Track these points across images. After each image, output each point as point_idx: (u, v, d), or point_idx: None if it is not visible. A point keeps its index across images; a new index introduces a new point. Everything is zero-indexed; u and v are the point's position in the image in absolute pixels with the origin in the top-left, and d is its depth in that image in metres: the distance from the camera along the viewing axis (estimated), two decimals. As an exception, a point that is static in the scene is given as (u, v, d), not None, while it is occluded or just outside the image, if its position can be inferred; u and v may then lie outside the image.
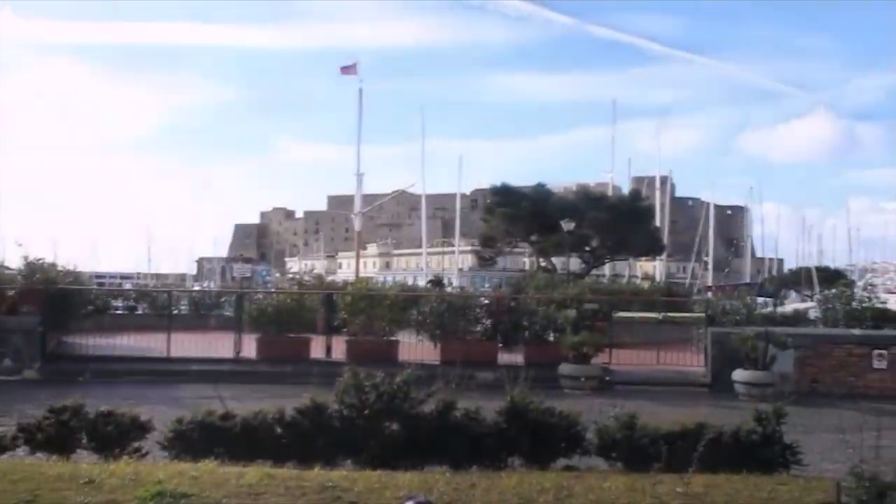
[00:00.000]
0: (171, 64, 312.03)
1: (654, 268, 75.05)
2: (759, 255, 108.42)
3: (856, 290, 30.26)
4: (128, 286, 66.78)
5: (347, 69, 42.54)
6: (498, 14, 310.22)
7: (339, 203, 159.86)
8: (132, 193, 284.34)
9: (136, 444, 8.47)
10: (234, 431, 8.38)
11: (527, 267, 61.55)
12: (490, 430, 8.33)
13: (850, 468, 5.29)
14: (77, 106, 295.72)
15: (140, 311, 28.87)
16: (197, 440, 8.36)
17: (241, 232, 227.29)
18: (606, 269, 58.03)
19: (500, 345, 19.89)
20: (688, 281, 75.79)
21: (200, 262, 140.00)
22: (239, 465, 7.71)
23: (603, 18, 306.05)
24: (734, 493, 6.92)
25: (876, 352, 17.23)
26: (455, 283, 60.12)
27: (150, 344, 19.90)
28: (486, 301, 21.73)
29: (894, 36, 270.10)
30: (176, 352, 18.92)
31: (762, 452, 8.34)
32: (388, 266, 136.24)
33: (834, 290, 24.62)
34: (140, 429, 8.58)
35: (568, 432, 8.41)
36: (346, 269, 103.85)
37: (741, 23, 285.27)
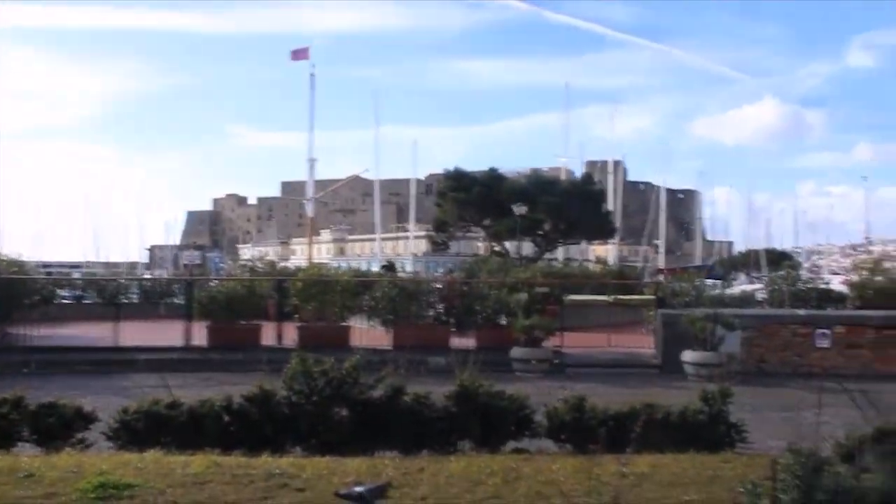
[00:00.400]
0: (116, 48, 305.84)
1: (606, 251, 75.76)
2: (709, 238, 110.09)
3: (801, 271, 30.85)
4: (77, 275, 65.57)
5: (298, 54, 42.15)
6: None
7: (293, 189, 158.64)
8: (79, 181, 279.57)
9: (79, 436, 8.33)
10: (180, 420, 8.28)
11: (480, 252, 61.72)
12: (440, 414, 8.33)
13: (787, 445, 5.37)
14: (16, 89, 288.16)
15: (88, 301, 28.37)
16: (143, 430, 8.24)
17: (194, 219, 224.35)
18: (559, 252, 58.41)
19: (453, 329, 19.92)
20: (640, 264, 76.56)
21: (153, 249, 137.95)
22: (186, 454, 7.61)
23: (557, 4, 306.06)
24: (680, 472, 7.00)
25: (819, 331, 17.58)
26: (409, 268, 60.12)
27: (97, 333, 19.56)
28: (439, 286, 21.74)
29: (838, 24, 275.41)
30: (124, 341, 18.63)
31: (709, 432, 8.47)
32: (342, 252, 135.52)
33: (781, 272, 25.10)
34: (84, 420, 8.43)
35: (517, 415, 8.45)
36: (299, 256, 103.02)
37: (693, 10, 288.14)
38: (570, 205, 47.09)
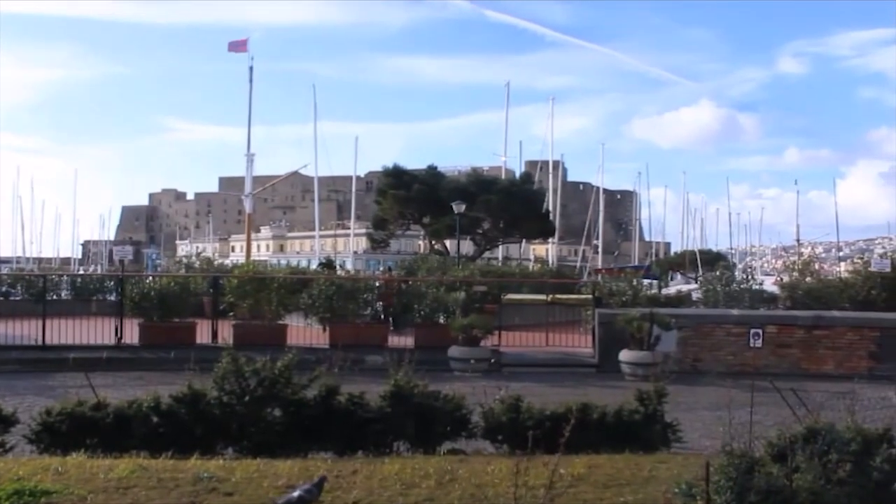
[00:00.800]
0: (49, 36, 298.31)
1: (546, 251, 76.29)
2: (647, 238, 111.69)
3: (735, 272, 31.42)
4: (5, 271, 63.66)
5: (236, 45, 41.33)
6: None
7: (231, 184, 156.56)
8: (8, 172, 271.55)
9: (-2, 439, 7.98)
10: (106, 422, 7.99)
11: (421, 250, 61.60)
12: (374, 414, 8.19)
13: (721, 446, 5.38)
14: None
15: (16, 298, 27.51)
16: (66, 432, 7.93)
17: (130, 214, 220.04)
18: (499, 251, 58.61)
19: (391, 328, 19.79)
20: (578, 263, 77.34)
21: (87, 245, 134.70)
22: (111, 457, 7.35)
23: (498, 3, 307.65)
24: (615, 473, 6.98)
25: (752, 331, 17.90)
26: (350, 266, 59.77)
27: (24, 331, 18.94)
28: (377, 284, 21.59)
29: (770, 32, 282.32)
30: (53, 339, 18.07)
31: (644, 431, 8.49)
32: (282, 249, 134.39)
33: (715, 273, 25.52)
34: (2, 422, 8.07)
35: (453, 416, 8.35)
36: (239, 252, 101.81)
37: (630, 13, 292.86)
38: (509, 204, 47.25)
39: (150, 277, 24.60)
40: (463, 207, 40.77)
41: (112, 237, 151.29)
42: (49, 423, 7.99)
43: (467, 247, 48.98)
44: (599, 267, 66.50)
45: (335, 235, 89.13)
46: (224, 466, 6.96)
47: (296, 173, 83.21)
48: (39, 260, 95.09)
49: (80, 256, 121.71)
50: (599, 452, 7.73)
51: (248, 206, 44.59)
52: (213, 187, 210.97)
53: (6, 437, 8.03)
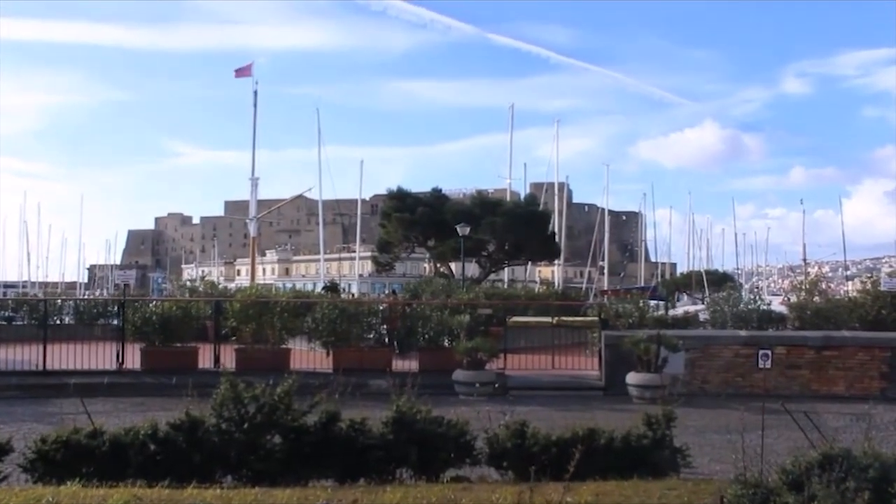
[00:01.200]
0: (55, 63, 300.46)
1: (552, 273, 76.05)
2: (653, 259, 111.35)
3: (742, 292, 31.20)
4: (11, 296, 63.58)
5: (241, 71, 41.56)
6: (397, 20, 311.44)
7: (237, 208, 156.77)
8: (15, 197, 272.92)
9: (-8, 468, 7.80)
10: (102, 450, 7.81)
11: (427, 272, 61.44)
12: (376, 441, 7.99)
13: (735, 475, 5.18)
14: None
15: (19, 322, 27.42)
16: (61, 461, 7.75)
17: (136, 238, 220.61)
18: (505, 274, 58.40)
19: (395, 352, 19.59)
20: (584, 285, 77.05)
21: (92, 269, 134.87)
22: (107, 486, 7.16)
23: (501, 27, 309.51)
24: (624, 501, 6.77)
25: (761, 352, 17.63)
26: (355, 289, 59.62)
27: (25, 356, 18.80)
28: (381, 307, 21.41)
29: (772, 52, 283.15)
30: (54, 364, 17.93)
31: (653, 456, 8.27)
32: (287, 272, 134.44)
33: (722, 293, 25.28)
34: (-3, 451, 7.90)
35: (457, 442, 8.14)
36: (244, 276, 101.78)
37: (633, 35, 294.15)
38: (514, 226, 47.06)
39: (153, 302, 24.45)
40: (467, 230, 40.64)
41: (118, 261, 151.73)
42: (44, 451, 7.82)
43: (472, 269, 48.78)
44: (605, 288, 66.30)
45: (340, 259, 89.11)
46: (221, 496, 6.76)
47: (300, 197, 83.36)
48: (45, 284, 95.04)
49: (86, 281, 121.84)
50: (607, 479, 7.51)
51: (252, 229, 44.58)
52: (219, 211, 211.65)
53: (0, 465, 7.87)
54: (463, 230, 39.72)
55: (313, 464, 7.96)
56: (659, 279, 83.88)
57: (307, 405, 8.19)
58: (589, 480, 7.27)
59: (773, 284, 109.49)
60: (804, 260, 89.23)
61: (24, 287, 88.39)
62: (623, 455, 8.13)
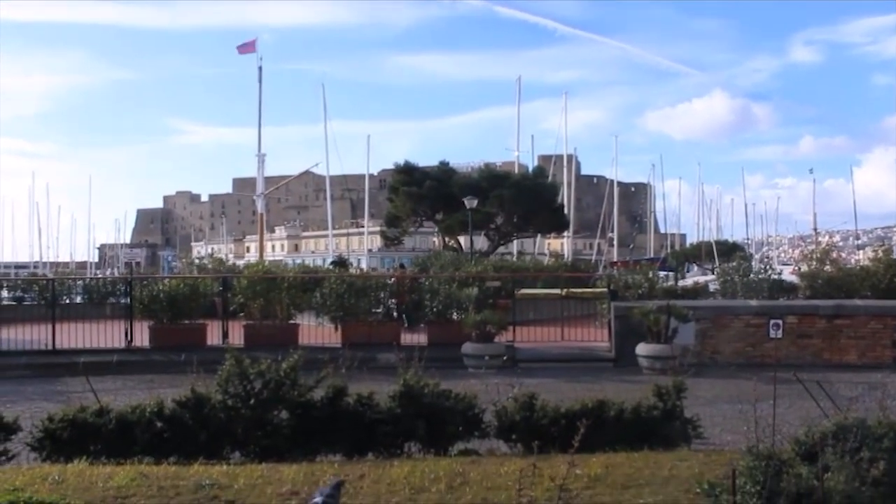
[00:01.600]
0: (59, 43, 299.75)
1: (561, 245, 75.83)
2: (662, 230, 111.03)
3: (752, 262, 31.01)
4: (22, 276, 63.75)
5: (245, 47, 41.30)
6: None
7: (245, 185, 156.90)
8: (24, 178, 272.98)
9: (0, 447, 7.78)
10: (108, 428, 7.78)
11: (436, 246, 61.26)
12: (384, 415, 7.93)
13: (747, 446, 5.08)
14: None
15: (29, 302, 27.46)
16: (68, 439, 7.74)
17: (145, 217, 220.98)
18: (514, 246, 58.21)
19: (404, 325, 19.53)
20: (594, 257, 76.83)
21: (103, 248, 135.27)
22: (114, 464, 7.13)
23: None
24: (634, 473, 6.69)
25: (772, 321, 17.51)
26: (364, 264, 59.51)
27: (35, 336, 18.81)
28: (388, 281, 21.34)
29: (780, 21, 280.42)
30: (64, 343, 17.95)
31: (663, 428, 8.19)
32: (296, 248, 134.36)
33: (732, 263, 25.13)
34: (4, 430, 7.88)
35: (465, 415, 8.07)
36: (253, 253, 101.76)
37: (640, 5, 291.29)
38: (522, 198, 46.78)
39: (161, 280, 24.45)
40: (475, 203, 40.43)
41: (128, 240, 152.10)
42: (51, 429, 7.80)
43: (481, 242, 48.58)
44: (615, 260, 66.12)
45: (349, 234, 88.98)
46: (227, 473, 6.72)
47: (307, 172, 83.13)
48: (56, 264, 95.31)
49: (96, 260, 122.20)
50: (617, 451, 7.45)
51: (260, 206, 44.53)
52: (227, 189, 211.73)
53: (8, 444, 7.85)
54: (471, 203, 39.53)
55: (321, 439, 7.91)
56: (668, 250, 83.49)
57: (314, 380, 8.13)
58: (599, 452, 7.20)
59: (783, 254, 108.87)
60: (815, 229, 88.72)
61: (35, 267, 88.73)
62: (633, 426, 8.05)
